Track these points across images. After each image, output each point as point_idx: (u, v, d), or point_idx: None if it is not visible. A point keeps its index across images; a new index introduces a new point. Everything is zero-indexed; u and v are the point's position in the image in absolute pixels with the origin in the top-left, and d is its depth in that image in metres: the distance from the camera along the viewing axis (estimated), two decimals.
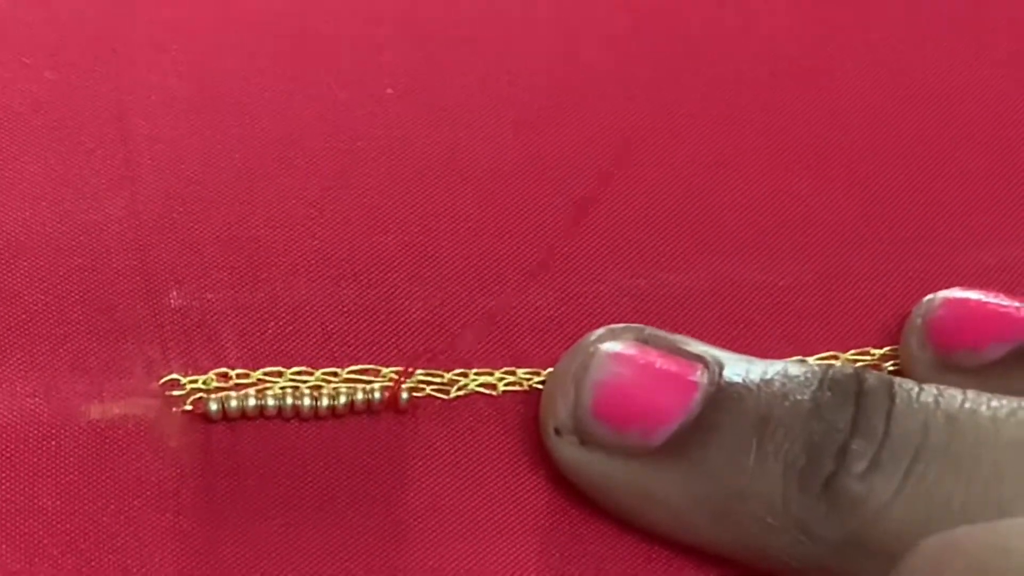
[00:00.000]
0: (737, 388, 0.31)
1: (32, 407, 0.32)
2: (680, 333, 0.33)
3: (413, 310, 0.35)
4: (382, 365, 0.34)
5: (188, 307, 0.34)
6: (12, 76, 0.37)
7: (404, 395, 0.33)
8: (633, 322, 0.33)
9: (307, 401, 0.33)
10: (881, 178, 0.38)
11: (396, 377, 0.34)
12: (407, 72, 0.38)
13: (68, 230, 0.35)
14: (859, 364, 0.35)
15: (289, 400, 0.33)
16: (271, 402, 0.33)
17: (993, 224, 0.38)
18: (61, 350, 0.33)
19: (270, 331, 0.34)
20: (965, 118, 0.40)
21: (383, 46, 0.39)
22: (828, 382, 0.31)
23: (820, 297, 0.36)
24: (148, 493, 0.32)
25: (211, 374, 0.33)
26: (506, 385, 0.34)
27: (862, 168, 0.39)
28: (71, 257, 0.34)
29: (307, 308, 0.34)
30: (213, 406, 0.33)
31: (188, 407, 0.33)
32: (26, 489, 0.32)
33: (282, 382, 0.33)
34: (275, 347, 0.34)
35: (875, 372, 0.31)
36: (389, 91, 0.38)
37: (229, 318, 0.34)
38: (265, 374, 0.33)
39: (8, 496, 0.31)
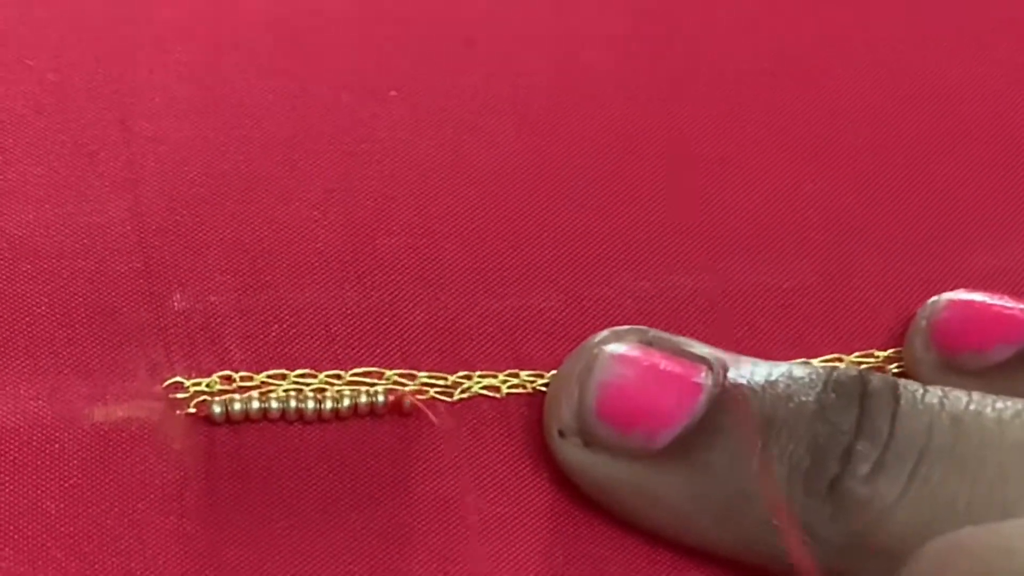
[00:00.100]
0: (741, 390, 0.31)
1: (35, 410, 0.32)
2: (684, 335, 0.33)
3: (417, 312, 0.35)
4: (386, 368, 0.34)
5: (192, 310, 0.34)
6: (15, 78, 0.37)
7: (407, 400, 0.33)
8: (637, 324, 0.33)
9: (311, 404, 0.33)
10: (886, 181, 0.38)
11: (400, 379, 0.34)
12: (410, 74, 0.38)
13: (71, 233, 0.35)
14: (864, 366, 0.35)
15: (293, 403, 0.33)
16: (275, 405, 0.33)
17: (998, 226, 0.38)
18: (64, 353, 0.33)
19: (273, 334, 0.34)
20: (970, 120, 0.40)
21: (386, 48, 0.39)
22: (832, 384, 0.31)
23: (825, 299, 0.36)
24: (152, 496, 0.32)
25: (215, 377, 0.33)
26: (510, 387, 0.34)
27: (866, 171, 0.39)
28: (74, 260, 0.34)
29: (311, 311, 0.34)
30: (217, 409, 0.33)
31: (192, 410, 0.33)
32: (29, 492, 0.32)
33: (286, 385, 0.33)
34: (279, 350, 0.34)
35: (879, 374, 0.31)
36: (392, 93, 0.38)
37: (233, 321, 0.34)
38: (269, 377, 0.33)
39: (11, 499, 0.31)
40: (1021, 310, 0.34)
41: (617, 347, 0.32)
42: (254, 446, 0.33)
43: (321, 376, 0.34)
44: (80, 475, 0.32)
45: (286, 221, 0.36)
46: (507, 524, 0.33)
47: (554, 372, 0.34)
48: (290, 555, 0.32)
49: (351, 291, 0.35)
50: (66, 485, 0.32)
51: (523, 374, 0.34)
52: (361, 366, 0.34)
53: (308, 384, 0.34)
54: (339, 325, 0.34)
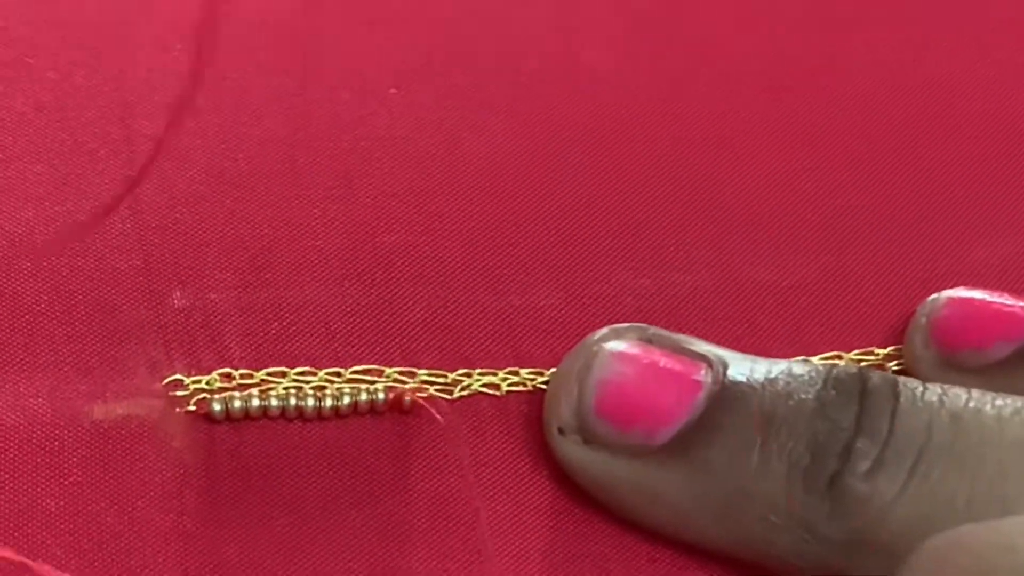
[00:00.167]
0: (741, 387, 0.31)
1: (35, 408, 0.32)
2: (684, 333, 0.33)
3: (416, 310, 0.35)
4: (385, 365, 0.34)
5: (191, 307, 0.34)
6: (15, 76, 0.37)
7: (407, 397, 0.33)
8: (637, 322, 0.33)
9: (310, 402, 0.33)
10: (885, 178, 0.39)
11: (400, 377, 0.34)
12: (410, 72, 0.38)
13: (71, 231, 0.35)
14: (863, 364, 0.35)
15: (292, 400, 0.33)
16: (274, 402, 0.33)
17: (997, 223, 0.38)
18: (64, 351, 0.33)
19: (273, 331, 0.34)
20: (969, 117, 0.40)
21: (386, 46, 0.39)
22: (832, 381, 0.31)
23: (824, 297, 0.36)
24: (151, 494, 0.32)
25: (214, 374, 0.33)
26: (510, 385, 0.34)
27: (866, 169, 0.39)
28: (74, 258, 0.34)
29: (310, 308, 0.34)
30: (216, 406, 0.33)
31: (191, 407, 0.33)
32: (29, 490, 0.32)
33: (285, 382, 0.33)
34: (278, 347, 0.34)
35: (879, 372, 0.31)
36: (392, 91, 0.38)
37: (232, 318, 0.34)
38: (269, 374, 0.33)
39: (11, 497, 0.31)
40: (1021, 308, 0.34)
41: (617, 344, 0.32)
42: (254, 444, 0.33)
43: (321, 374, 0.34)
44: (80, 473, 0.32)
45: (286, 219, 0.36)
46: (507, 522, 0.33)
47: (554, 370, 0.34)
48: (290, 553, 0.32)
49: (351, 288, 0.35)
50: (66, 483, 0.32)
51: (523, 372, 0.34)
52: (361, 363, 0.34)
53: (308, 382, 0.34)
54: (339, 322, 0.34)
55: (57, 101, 0.37)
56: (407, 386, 0.33)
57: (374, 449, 0.33)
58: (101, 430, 0.32)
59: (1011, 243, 0.38)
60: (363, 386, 0.33)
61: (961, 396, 0.30)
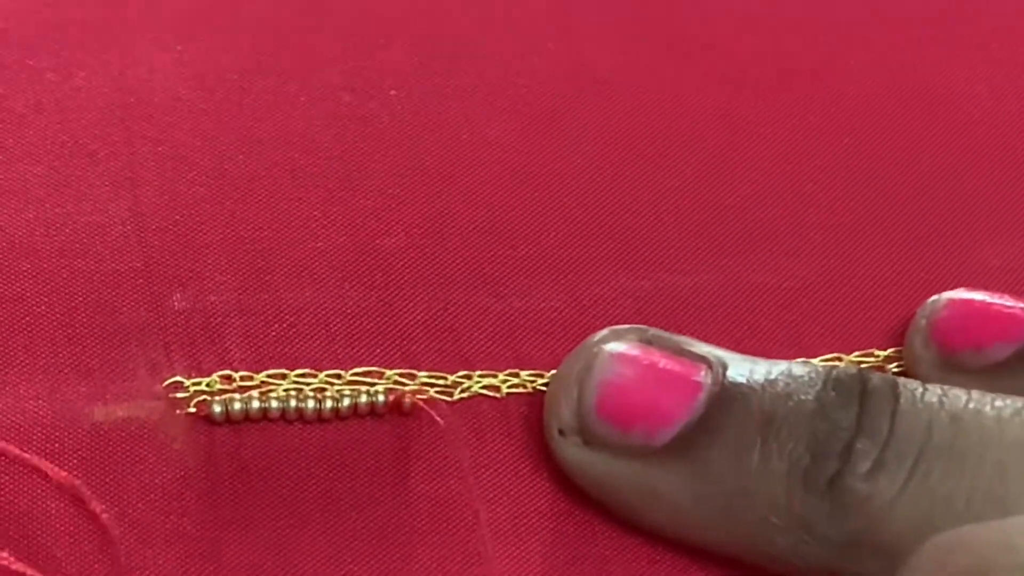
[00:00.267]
0: (741, 388, 0.31)
1: (35, 409, 0.32)
2: (684, 334, 0.33)
3: (417, 312, 0.35)
4: (386, 367, 0.34)
5: (192, 309, 0.34)
6: (15, 78, 0.37)
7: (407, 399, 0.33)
8: (637, 323, 0.33)
9: (311, 403, 0.33)
10: (885, 180, 0.39)
11: (400, 379, 0.34)
12: (411, 73, 0.38)
13: (71, 232, 0.35)
14: (863, 365, 0.35)
15: (293, 402, 0.33)
16: (275, 404, 0.33)
17: (997, 225, 0.38)
18: (64, 353, 0.33)
19: (273, 333, 0.34)
20: (971, 119, 0.40)
21: (386, 47, 0.39)
22: (832, 382, 0.31)
23: (824, 298, 0.36)
24: (152, 495, 0.32)
25: (215, 376, 0.33)
26: (510, 387, 0.34)
27: (866, 170, 0.39)
28: (74, 259, 0.34)
29: (311, 310, 0.34)
30: (217, 408, 0.33)
31: (192, 409, 0.33)
32: (29, 491, 0.31)
33: (286, 384, 0.33)
34: (279, 349, 0.34)
35: (879, 373, 0.31)
36: (393, 92, 0.38)
37: (233, 320, 0.34)
38: (269, 376, 0.33)
39: (11, 499, 0.31)
40: (1021, 309, 0.34)
41: (617, 346, 0.32)
42: (254, 446, 0.33)
43: (321, 376, 0.34)
44: (80, 475, 0.32)
45: (286, 220, 0.36)
46: (507, 524, 0.33)
47: (554, 371, 0.33)
48: (290, 554, 0.32)
49: (351, 290, 0.35)
50: (66, 484, 0.32)
51: (523, 373, 0.34)
52: (361, 365, 0.34)
53: (308, 384, 0.33)
54: (339, 324, 0.34)
55: (57, 102, 0.37)
56: (407, 388, 0.34)
57: (374, 451, 0.33)
58: (101, 432, 0.32)
59: (1012, 244, 0.38)
60: (363, 388, 0.33)
61: (961, 397, 0.30)
